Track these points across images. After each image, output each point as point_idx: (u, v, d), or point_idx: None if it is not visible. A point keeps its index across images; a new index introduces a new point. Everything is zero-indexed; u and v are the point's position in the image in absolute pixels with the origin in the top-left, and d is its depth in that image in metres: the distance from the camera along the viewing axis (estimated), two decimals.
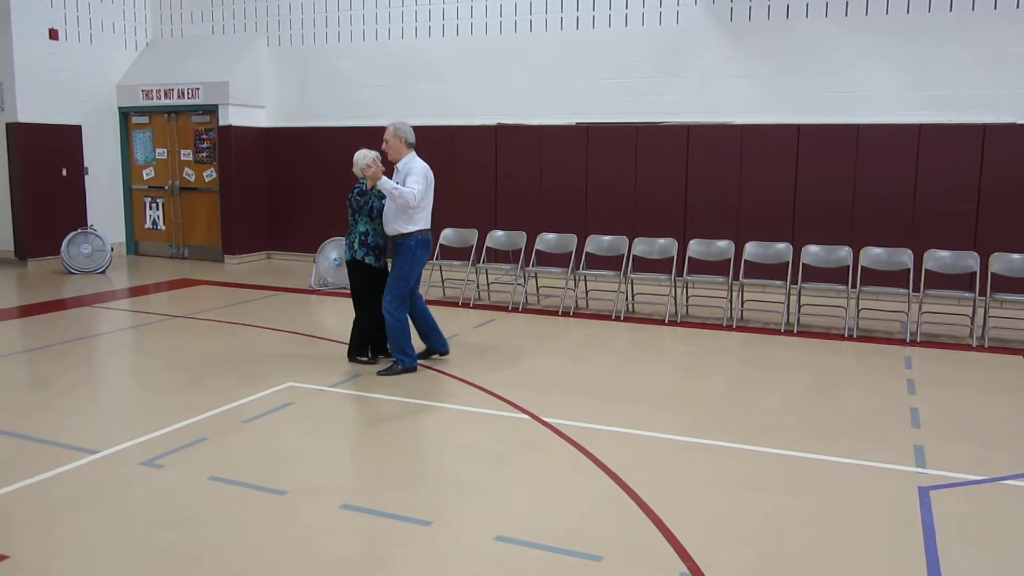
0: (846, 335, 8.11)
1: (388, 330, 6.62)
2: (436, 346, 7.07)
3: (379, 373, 6.64)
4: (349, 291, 7.03)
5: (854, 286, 8.47)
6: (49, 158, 12.45)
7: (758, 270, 9.17)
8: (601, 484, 4.53)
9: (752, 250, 9.08)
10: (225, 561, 3.67)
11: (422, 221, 6.58)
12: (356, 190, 6.69)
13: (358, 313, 6.91)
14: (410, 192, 6.35)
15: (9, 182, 12.36)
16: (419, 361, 6.85)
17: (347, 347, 7.10)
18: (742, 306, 8.89)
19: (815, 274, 8.87)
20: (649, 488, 4.44)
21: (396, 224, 6.55)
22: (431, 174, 6.60)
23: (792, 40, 10.20)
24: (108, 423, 5.54)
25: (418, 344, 6.97)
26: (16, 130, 12.11)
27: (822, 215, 10.05)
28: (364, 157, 6.70)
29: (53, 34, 12.52)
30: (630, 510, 4.20)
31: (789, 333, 8.26)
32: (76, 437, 5.19)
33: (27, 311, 9.32)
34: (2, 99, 12.17)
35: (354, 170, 6.80)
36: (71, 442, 5.10)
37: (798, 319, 8.46)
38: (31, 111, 12.22)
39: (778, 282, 8.64)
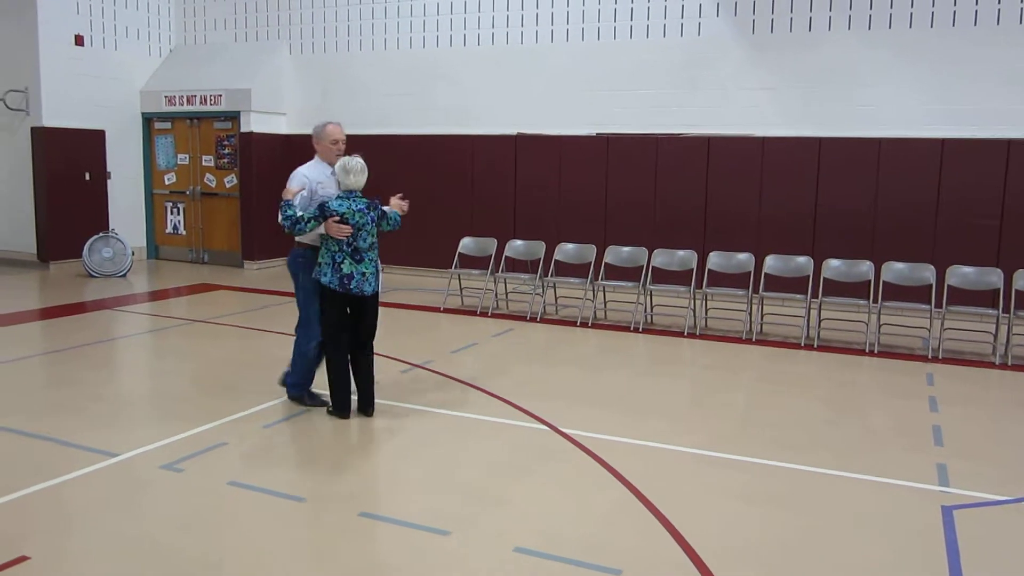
0: (867, 351, 8.05)
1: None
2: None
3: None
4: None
5: (875, 301, 8.41)
6: (73, 162, 12.58)
7: (778, 283, 9.12)
8: (619, 496, 4.50)
9: (772, 263, 9.03)
10: (244, 567, 3.67)
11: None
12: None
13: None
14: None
15: (34, 186, 12.48)
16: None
17: None
18: (762, 320, 8.84)
19: (836, 288, 8.80)
20: (668, 501, 4.41)
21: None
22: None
23: (814, 53, 10.16)
24: (128, 426, 5.56)
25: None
26: (41, 135, 12.24)
27: (843, 229, 9.99)
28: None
29: (79, 40, 12.66)
30: (649, 523, 4.17)
31: (809, 348, 8.20)
32: (97, 440, 5.22)
33: (48, 314, 9.40)
34: (28, 104, 12.30)
35: None
36: (92, 445, 5.12)
37: (818, 334, 8.40)
38: (56, 116, 12.35)
39: (798, 296, 8.59)
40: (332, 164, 6.02)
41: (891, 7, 9.79)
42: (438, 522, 4.13)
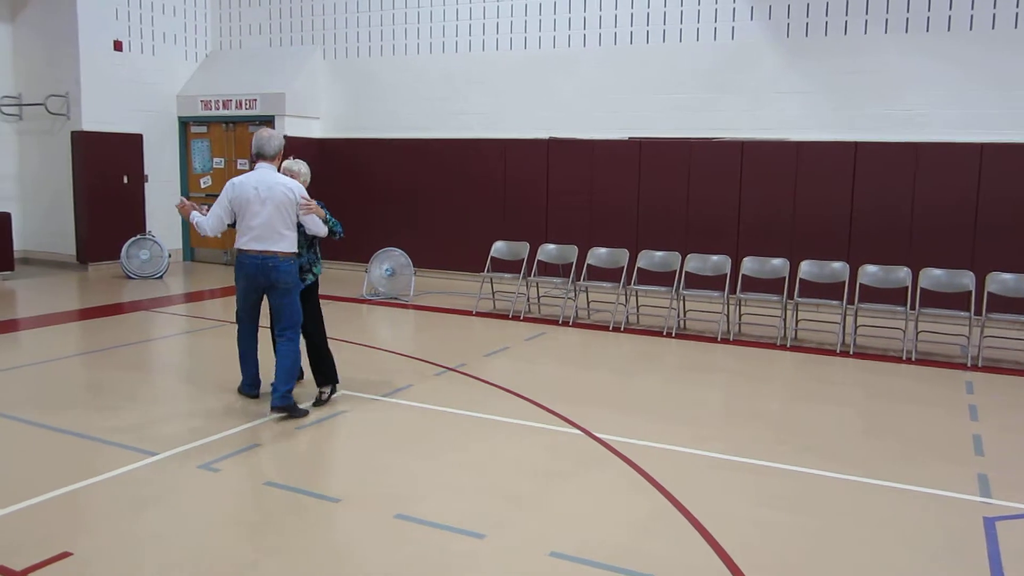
0: (904, 358, 7.94)
1: None
2: (272, 399, 5.87)
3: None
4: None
5: (912, 308, 8.29)
6: (111, 166, 12.78)
7: (813, 289, 9.03)
8: (654, 502, 4.48)
9: (807, 269, 8.95)
10: (280, 566, 3.70)
11: (237, 238, 5.87)
12: None
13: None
14: (201, 225, 5.88)
15: (73, 189, 12.70)
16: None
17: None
18: (796, 326, 8.75)
19: (872, 295, 8.69)
20: (703, 507, 4.38)
21: None
22: (243, 188, 5.76)
23: (850, 57, 10.06)
24: (166, 426, 5.63)
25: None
26: (81, 139, 12.45)
27: (880, 235, 9.86)
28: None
29: (118, 46, 12.87)
30: (684, 529, 4.14)
31: (845, 354, 8.10)
32: (136, 439, 5.29)
33: (87, 314, 9.55)
34: (68, 108, 12.52)
35: None
36: (131, 443, 5.20)
37: (854, 340, 8.30)
38: (95, 120, 12.56)
39: (834, 302, 8.49)
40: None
41: (929, 10, 9.67)
42: (473, 525, 4.13)
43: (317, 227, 5.99)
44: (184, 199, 6.04)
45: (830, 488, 4.76)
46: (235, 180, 5.88)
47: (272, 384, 5.81)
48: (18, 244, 12.57)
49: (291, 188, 5.86)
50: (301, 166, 6.33)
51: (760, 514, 4.37)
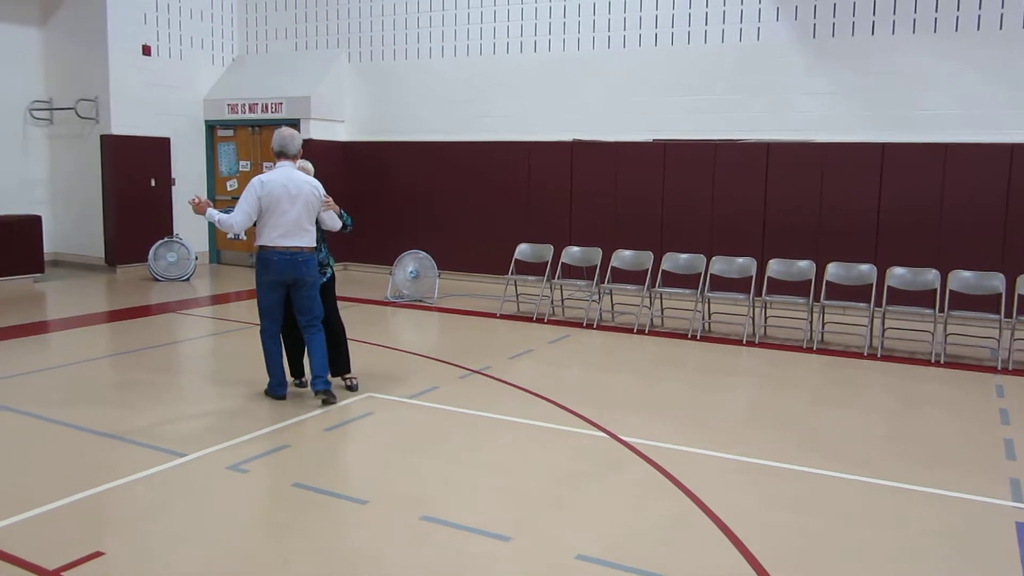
0: (933, 361, 7.85)
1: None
2: (312, 385, 6.26)
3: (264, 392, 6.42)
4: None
5: (941, 310, 8.20)
6: (139, 169, 12.94)
7: (840, 291, 8.96)
8: (681, 506, 4.46)
9: (834, 271, 8.87)
10: (308, 567, 3.73)
11: (263, 237, 5.98)
12: None
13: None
14: (228, 220, 5.93)
15: (102, 192, 12.86)
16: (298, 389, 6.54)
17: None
18: (822, 328, 8.69)
19: (900, 297, 8.61)
20: (731, 512, 4.36)
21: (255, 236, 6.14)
22: (267, 186, 5.88)
23: (877, 57, 9.97)
24: (194, 427, 5.69)
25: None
26: (110, 142, 12.61)
27: (907, 237, 9.76)
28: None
29: (146, 50, 13.02)
30: (711, 533, 4.12)
31: (872, 357, 8.03)
32: (165, 440, 5.35)
33: (115, 316, 9.67)
34: (97, 113, 12.69)
35: None
36: (160, 444, 5.26)
37: (881, 343, 8.22)
38: (124, 124, 12.72)
39: (860, 304, 8.42)
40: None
41: (958, 10, 9.56)
42: (499, 527, 4.14)
43: (334, 221, 6.37)
44: (198, 196, 6.07)
45: (859, 492, 4.72)
46: (263, 178, 5.96)
47: (313, 372, 6.14)
48: (48, 247, 12.74)
49: (316, 186, 6.11)
50: (308, 164, 6.52)
51: (788, 518, 4.34)
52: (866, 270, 8.76)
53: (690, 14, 10.97)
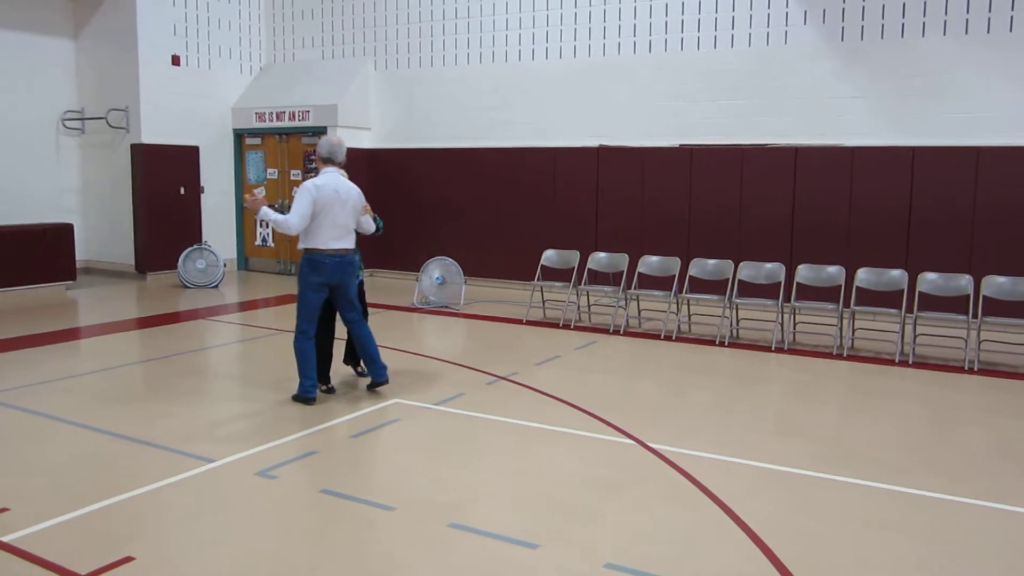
0: (966, 368, 7.72)
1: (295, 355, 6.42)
2: (372, 376, 6.64)
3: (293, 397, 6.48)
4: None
5: (975, 316, 8.07)
6: (169, 177, 13.08)
7: (870, 297, 8.85)
8: (711, 514, 4.41)
9: (864, 276, 8.77)
10: (337, 575, 3.72)
11: (313, 239, 6.20)
12: None
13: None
14: (285, 221, 6.05)
15: (132, 200, 13.02)
16: (369, 388, 6.68)
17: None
18: (853, 334, 8.58)
19: (933, 303, 8.49)
20: (762, 522, 4.31)
21: (300, 239, 6.32)
22: (323, 190, 6.12)
23: (908, 59, 9.85)
24: (223, 433, 5.72)
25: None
26: (140, 151, 12.77)
27: (939, 241, 9.62)
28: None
29: (175, 60, 13.18)
30: (743, 544, 4.07)
31: (904, 364, 7.92)
32: (194, 446, 5.38)
33: (145, 323, 9.77)
34: (128, 122, 12.85)
35: None
36: (190, 450, 5.29)
37: (913, 350, 8.10)
38: (154, 133, 12.87)
39: (892, 310, 8.31)
40: None
41: (989, 10, 9.43)
42: (527, 535, 4.12)
43: (369, 225, 6.69)
44: (255, 193, 6.15)
45: (897, 503, 4.64)
46: (316, 183, 6.17)
47: (376, 362, 6.53)
48: (80, 254, 12.92)
49: (359, 191, 6.43)
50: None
51: (818, 527, 4.27)
52: (897, 275, 8.64)
53: (716, 18, 10.91)
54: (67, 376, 7.21)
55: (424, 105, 13.23)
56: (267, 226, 14.15)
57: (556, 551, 3.97)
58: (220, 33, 13.90)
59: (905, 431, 5.97)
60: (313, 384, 6.36)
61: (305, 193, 6.10)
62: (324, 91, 13.44)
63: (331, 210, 6.14)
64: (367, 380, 6.86)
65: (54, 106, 13.20)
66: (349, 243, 6.31)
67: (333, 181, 6.23)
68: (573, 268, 9.98)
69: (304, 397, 6.34)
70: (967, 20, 9.55)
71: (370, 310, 6.94)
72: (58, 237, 11.69)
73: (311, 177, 6.37)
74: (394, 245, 13.45)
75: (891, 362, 7.99)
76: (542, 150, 12.07)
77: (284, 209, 13.80)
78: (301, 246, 6.25)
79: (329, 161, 6.34)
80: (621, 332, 9.25)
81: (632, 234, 11.27)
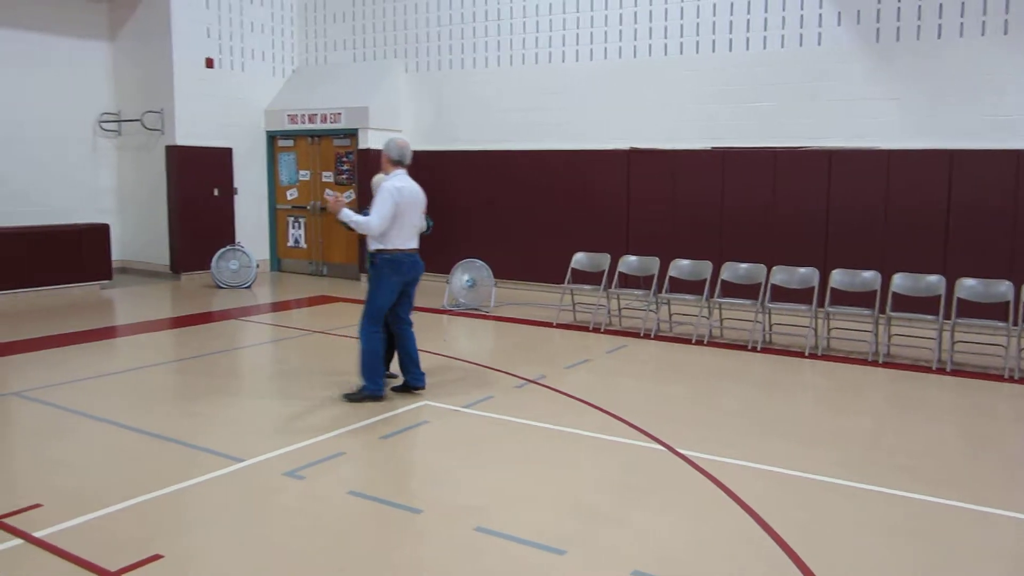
0: (1006, 376, 7.55)
1: (359, 351, 6.50)
2: (411, 380, 6.70)
3: (344, 396, 6.52)
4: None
5: (1015, 323, 7.89)
6: (203, 179, 13.22)
7: (907, 303, 8.69)
8: (740, 522, 4.35)
9: (901, 282, 8.61)
10: None
11: (391, 240, 6.38)
12: None
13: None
14: (366, 223, 6.25)
15: (167, 201, 13.18)
16: (396, 390, 6.69)
17: None
18: (889, 341, 8.43)
19: (971, 309, 8.31)
20: (792, 530, 4.23)
21: (369, 241, 6.49)
22: (403, 193, 6.36)
23: (945, 61, 9.67)
24: (252, 433, 5.75)
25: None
26: (175, 153, 12.92)
27: (979, 247, 9.43)
28: (378, 179, 6.81)
29: (209, 63, 13.31)
30: (773, 552, 4.00)
31: (941, 371, 7.76)
32: (224, 445, 5.42)
33: (179, 322, 9.88)
34: (163, 124, 13.01)
35: (373, 191, 6.85)
36: (220, 449, 5.32)
37: (951, 357, 7.94)
38: (188, 135, 13.02)
39: (929, 316, 8.15)
40: None
41: None
42: (554, 540, 4.08)
43: (422, 223, 6.84)
44: (336, 194, 6.35)
45: (929, 513, 4.54)
46: (397, 185, 6.38)
47: (417, 366, 6.66)
48: (116, 254, 13.08)
49: (423, 193, 6.67)
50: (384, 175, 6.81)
51: (854, 538, 4.19)
52: (934, 281, 8.47)
53: (749, 20, 10.79)
54: (100, 374, 7.30)
55: (454, 107, 13.24)
56: (300, 227, 14.25)
57: (583, 557, 3.93)
58: (253, 36, 14.03)
59: (940, 441, 5.84)
60: (382, 384, 6.49)
61: (388, 196, 6.27)
62: (355, 93, 13.51)
63: (409, 211, 6.40)
64: (394, 382, 6.85)
65: (91, 108, 13.41)
66: (418, 243, 6.58)
67: (408, 183, 6.48)
68: (603, 271, 9.92)
69: (374, 395, 6.43)
70: (1006, 20, 9.35)
71: None
72: (94, 237, 11.87)
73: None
74: (424, 247, 13.38)
75: (928, 369, 7.84)
76: (573, 152, 12.02)
77: (315, 211, 13.91)
78: (378, 247, 6.37)
79: (399, 163, 6.55)
80: (652, 336, 9.18)
81: (663, 237, 11.18)
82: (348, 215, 6.29)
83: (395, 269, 6.39)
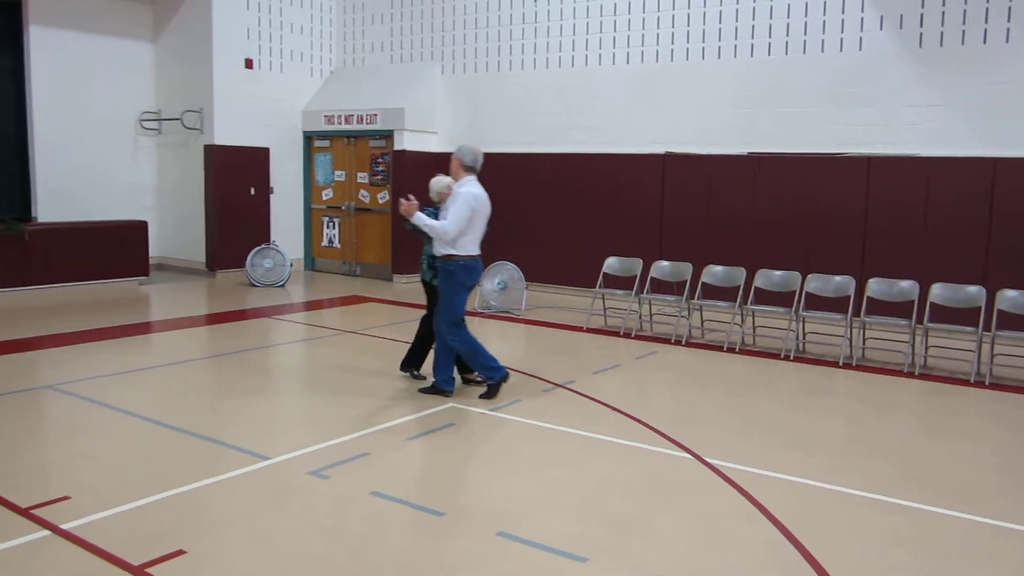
0: None
1: (461, 355, 6.69)
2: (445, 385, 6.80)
3: (420, 390, 6.75)
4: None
5: None
6: (240, 178, 13.37)
7: (946, 314, 8.51)
8: (768, 534, 4.27)
9: (939, 292, 8.44)
10: None
11: (464, 246, 6.48)
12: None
13: (422, 328, 7.16)
14: (441, 228, 6.33)
15: (205, 200, 13.34)
16: (424, 392, 6.76)
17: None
18: (926, 352, 8.26)
19: (1013, 322, 8.11)
20: (821, 544, 4.15)
21: (439, 247, 6.55)
22: (479, 200, 6.53)
23: (990, 67, 9.46)
24: (279, 431, 5.78)
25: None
26: (213, 152, 13.08)
27: (1020, 258, 9.20)
28: (438, 182, 6.91)
29: (248, 64, 13.46)
30: (799, 566, 3.92)
31: (980, 385, 7.58)
32: (251, 442, 5.45)
33: (213, 319, 9.99)
34: (202, 123, 13.18)
35: (430, 194, 6.96)
36: (246, 447, 5.36)
37: (990, 370, 7.76)
38: (226, 135, 13.17)
39: (968, 328, 7.96)
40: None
41: None
42: (576, 548, 4.04)
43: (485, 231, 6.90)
44: (411, 197, 6.47)
45: (960, 530, 4.43)
46: (474, 192, 6.50)
47: (451, 370, 6.71)
48: (153, 251, 13.27)
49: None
50: (447, 178, 7.02)
51: (881, 553, 4.09)
52: (974, 292, 8.29)
53: (788, 24, 10.65)
54: (133, 369, 7.39)
55: (489, 110, 13.24)
56: (334, 227, 14.35)
57: (605, 566, 3.88)
58: (292, 37, 14.16)
59: (980, 456, 5.70)
60: (500, 367, 6.63)
61: (465, 203, 6.37)
62: (391, 95, 13.57)
63: (482, 218, 6.55)
64: (421, 383, 6.88)
65: (133, 107, 13.62)
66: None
67: (481, 191, 6.58)
68: (635, 276, 9.85)
69: (498, 381, 6.63)
70: None
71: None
72: (132, 234, 12.06)
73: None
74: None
75: (966, 382, 7.66)
76: (606, 156, 11.96)
77: (350, 212, 13.98)
78: (450, 252, 6.42)
79: (471, 170, 6.65)
80: (683, 343, 9.09)
81: (696, 243, 11.07)
82: (422, 219, 6.36)
83: (469, 274, 6.52)
